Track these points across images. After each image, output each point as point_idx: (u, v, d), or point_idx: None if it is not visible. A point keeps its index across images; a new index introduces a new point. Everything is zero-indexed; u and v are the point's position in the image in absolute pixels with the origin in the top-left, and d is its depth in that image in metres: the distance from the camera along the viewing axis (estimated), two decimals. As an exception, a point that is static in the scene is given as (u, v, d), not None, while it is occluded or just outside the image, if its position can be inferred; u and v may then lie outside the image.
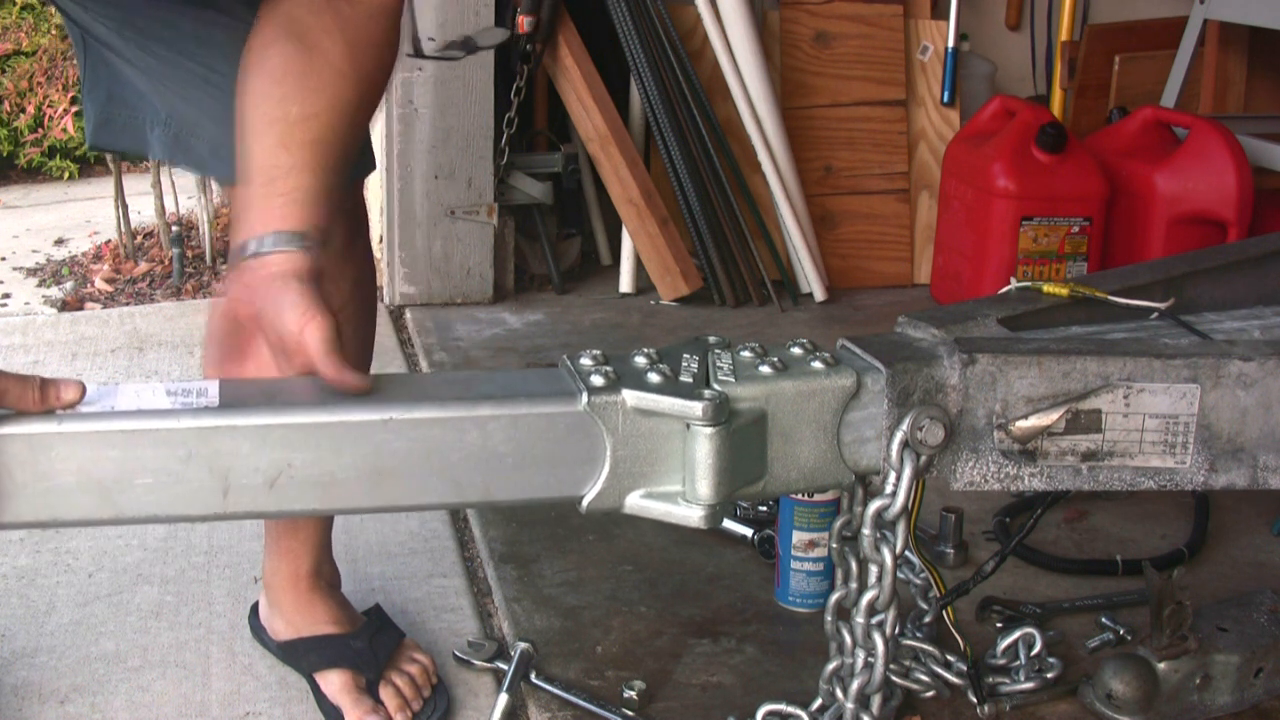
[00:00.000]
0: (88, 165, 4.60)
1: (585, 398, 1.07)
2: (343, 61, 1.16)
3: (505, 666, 1.59)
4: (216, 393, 1.03)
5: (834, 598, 1.33)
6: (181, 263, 3.33)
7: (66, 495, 0.98)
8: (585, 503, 1.10)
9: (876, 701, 1.30)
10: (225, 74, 1.36)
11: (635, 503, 1.11)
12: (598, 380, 1.09)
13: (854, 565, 1.31)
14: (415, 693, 1.54)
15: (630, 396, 1.08)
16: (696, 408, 1.07)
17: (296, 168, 1.12)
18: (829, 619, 1.34)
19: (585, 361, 1.12)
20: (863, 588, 1.28)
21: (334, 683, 1.54)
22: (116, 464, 0.99)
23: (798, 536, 1.71)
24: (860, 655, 1.29)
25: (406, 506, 1.09)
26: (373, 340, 1.58)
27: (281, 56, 1.16)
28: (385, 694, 1.52)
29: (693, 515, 1.10)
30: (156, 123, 1.43)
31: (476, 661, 1.61)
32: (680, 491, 1.11)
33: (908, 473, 1.19)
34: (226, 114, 1.35)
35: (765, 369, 1.14)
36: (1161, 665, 1.46)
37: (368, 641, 1.57)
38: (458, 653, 1.63)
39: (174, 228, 3.48)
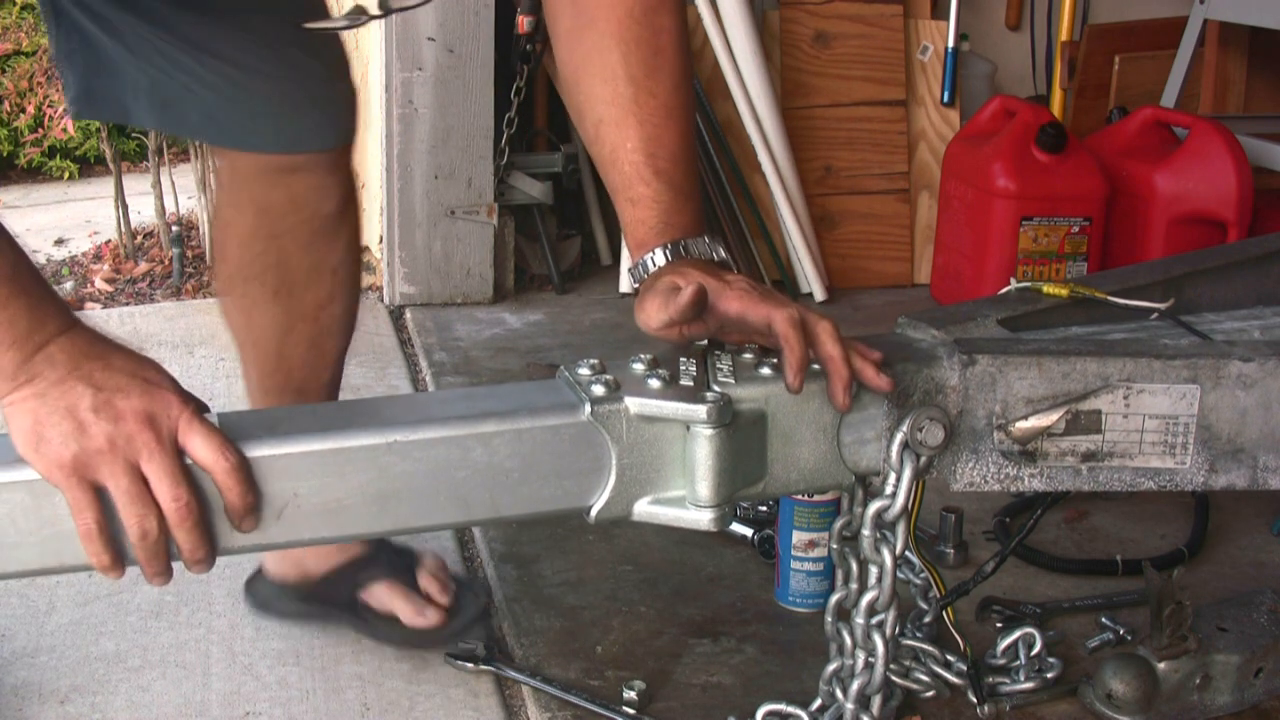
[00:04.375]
0: (88, 165, 4.61)
1: (588, 407, 1.07)
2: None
3: (501, 668, 1.59)
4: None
5: (834, 598, 1.33)
6: (182, 263, 3.34)
7: (72, 541, 0.97)
8: (594, 513, 1.10)
9: (876, 702, 1.30)
10: (219, 53, 1.38)
11: (643, 509, 1.11)
12: (599, 389, 1.08)
13: (854, 566, 1.31)
14: (445, 578, 1.64)
15: (633, 403, 1.08)
16: (700, 411, 1.07)
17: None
18: (829, 620, 1.34)
19: (583, 371, 1.12)
20: (863, 588, 1.28)
21: (382, 592, 1.62)
22: None
23: (798, 536, 1.71)
24: (860, 656, 1.29)
25: (416, 528, 1.09)
26: (358, 301, 1.62)
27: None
28: (424, 583, 1.63)
29: (702, 519, 1.10)
30: (140, 91, 1.42)
31: (468, 664, 1.61)
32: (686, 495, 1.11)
33: (907, 474, 1.19)
34: (222, 82, 1.38)
35: (765, 370, 1.14)
36: (1161, 665, 1.46)
37: (393, 553, 1.66)
38: (450, 654, 1.63)
39: (174, 228, 3.48)
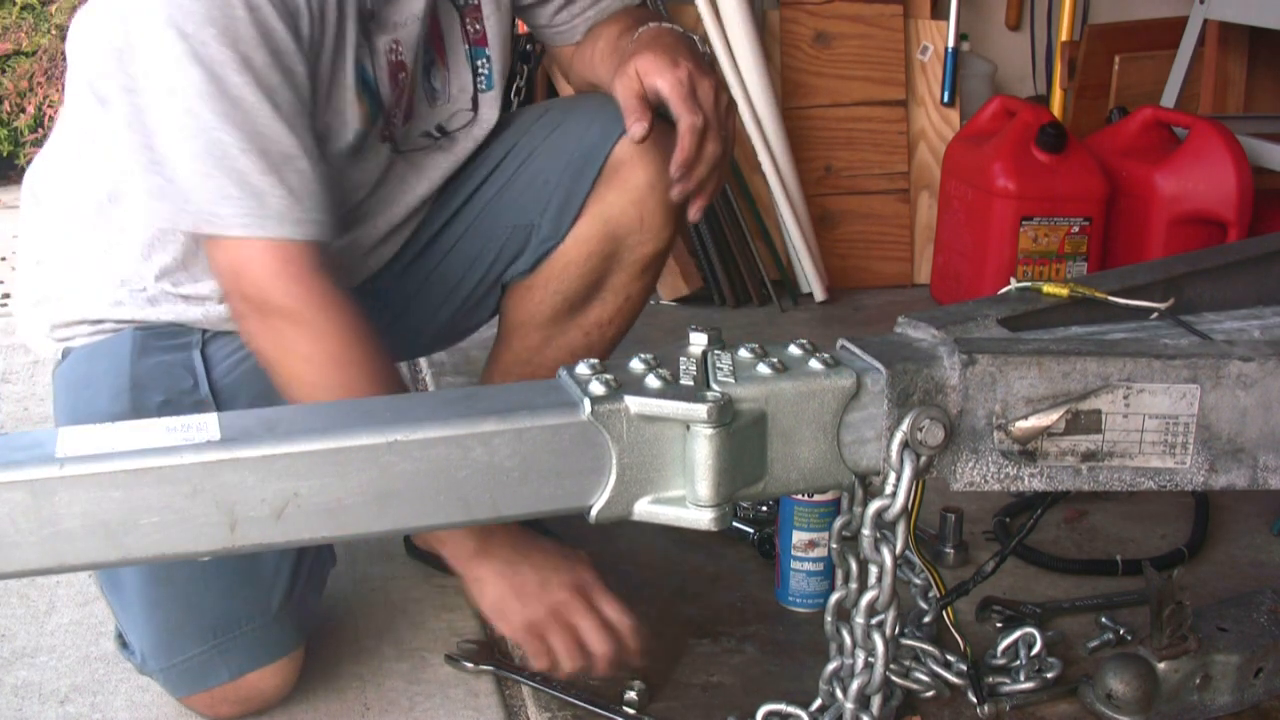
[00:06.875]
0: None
1: (588, 407, 1.07)
2: None
3: (501, 669, 1.59)
4: (216, 426, 1.02)
5: (834, 598, 1.33)
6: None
7: (72, 540, 0.97)
8: (594, 513, 1.10)
9: (876, 702, 1.30)
10: None
11: (644, 509, 1.11)
12: (598, 389, 1.08)
13: (854, 566, 1.31)
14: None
15: (633, 403, 1.08)
16: (701, 410, 1.07)
17: None
18: (829, 620, 1.34)
19: (583, 370, 1.12)
20: (863, 588, 1.28)
21: None
22: (121, 505, 0.98)
23: (798, 536, 1.71)
24: (860, 656, 1.29)
25: (417, 527, 1.10)
26: (621, 338, 1.83)
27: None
28: None
29: (703, 518, 1.10)
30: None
31: (468, 664, 1.61)
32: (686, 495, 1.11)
33: (907, 473, 1.19)
34: None
35: (765, 369, 1.14)
36: (1161, 665, 1.46)
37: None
38: (450, 654, 1.63)
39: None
